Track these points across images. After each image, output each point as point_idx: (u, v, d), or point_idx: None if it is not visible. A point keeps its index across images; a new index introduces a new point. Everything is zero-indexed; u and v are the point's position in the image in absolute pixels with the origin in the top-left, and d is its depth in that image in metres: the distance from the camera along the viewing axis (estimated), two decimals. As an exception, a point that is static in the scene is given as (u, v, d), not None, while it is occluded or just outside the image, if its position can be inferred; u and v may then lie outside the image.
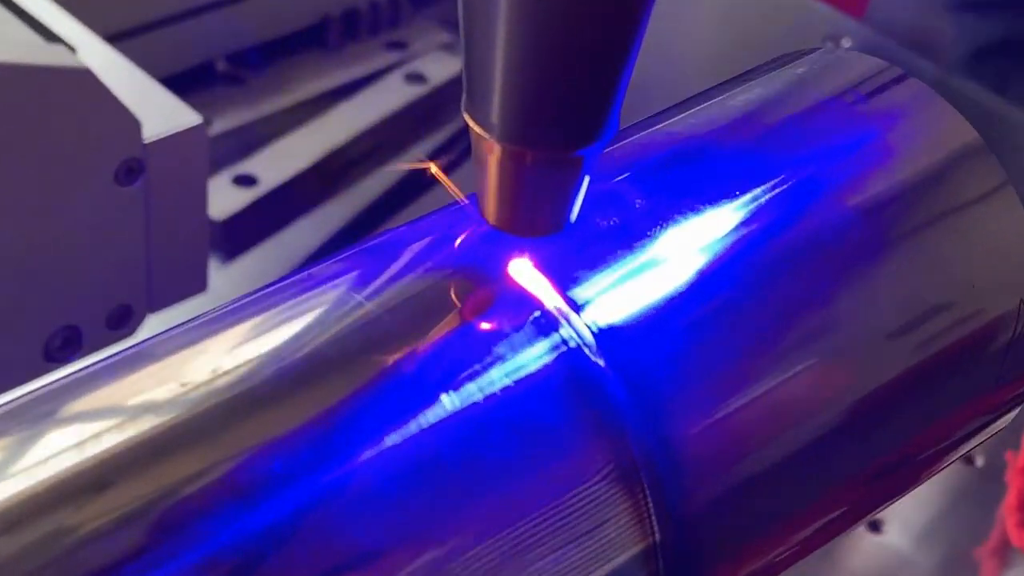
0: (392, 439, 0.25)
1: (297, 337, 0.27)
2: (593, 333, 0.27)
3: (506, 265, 0.28)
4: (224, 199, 0.69)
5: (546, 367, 0.27)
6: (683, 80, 0.75)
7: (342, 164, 0.74)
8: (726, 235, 0.29)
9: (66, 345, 0.48)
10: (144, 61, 0.52)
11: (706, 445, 0.28)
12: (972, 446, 0.34)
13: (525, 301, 0.28)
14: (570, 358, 0.27)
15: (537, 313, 0.27)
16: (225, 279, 0.67)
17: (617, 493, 0.27)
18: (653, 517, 0.27)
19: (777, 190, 0.31)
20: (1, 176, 0.44)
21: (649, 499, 0.27)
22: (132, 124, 0.46)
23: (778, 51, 0.36)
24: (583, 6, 0.24)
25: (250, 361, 0.26)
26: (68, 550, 0.23)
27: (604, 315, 0.28)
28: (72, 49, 0.47)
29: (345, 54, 0.80)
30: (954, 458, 0.34)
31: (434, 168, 0.30)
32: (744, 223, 0.30)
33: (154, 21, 0.71)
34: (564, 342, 0.27)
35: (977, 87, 0.74)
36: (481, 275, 0.28)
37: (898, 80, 0.34)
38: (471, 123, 0.26)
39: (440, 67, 0.79)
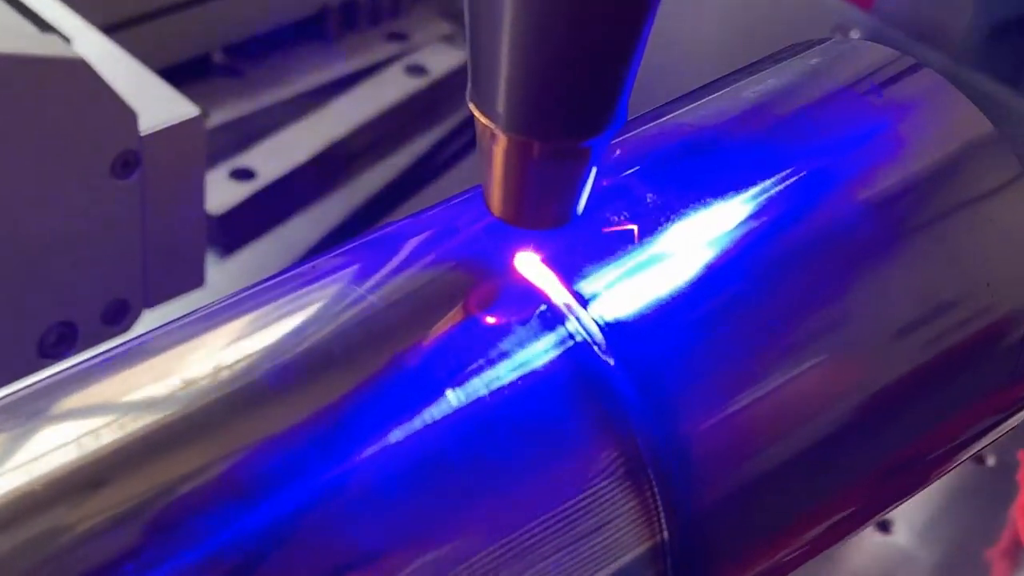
0: (395, 436, 0.25)
1: (297, 331, 0.27)
2: (600, 328, 0.27)
3: (512, 258, 0.28)
4: (222, 193, 0.69)
5: (552, 362, 0.27)
6: (690, 71, 0.75)
7: (342, 157, 0.74)
8: (736, 229, 0.29)
9: (61, 341, 0.48)
10: (140, 52, 0.52)
11: (715, 442, 0.28)
12: (984, 444, 0.34)
13: (531, 295, 0.28)
14: (577, 353, 0.27)
15: (543, 307, 0.27)
16: (222, 274, 0.67)
17: (624, 491, 0.27)
18: (661, 515, 0.27)
19: (788, 183, 0.30)
20: (-5, 169, 0.44)
21: (657, 497, 0.27)
22: (128, 116, 0.46)
23: (786, 42, 0.36)
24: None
25: (249, 356, 0.26)
26: (64, 549, 0.23)
27: (612, 310, 0.27)
28: (67, 39, 0.47)
29: (345, 45, 0.80)
30: (965, 457, 0.34)
31: None
32: (754, 216, 0.30)
33: (151, 11, 0.71)
34: (571, 337, 0.27)
35: (988, 78, 0.74)
36: (486, 268, 0.28)
37: (911, 70, 0.34)
38: (476, 113, 0.26)
39: (441, 59, 0.79)
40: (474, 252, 0.28)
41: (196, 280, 0.52)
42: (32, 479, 0.24)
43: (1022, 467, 0.61)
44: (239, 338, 0.27)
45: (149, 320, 0.50)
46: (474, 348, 0.26)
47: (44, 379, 0.27)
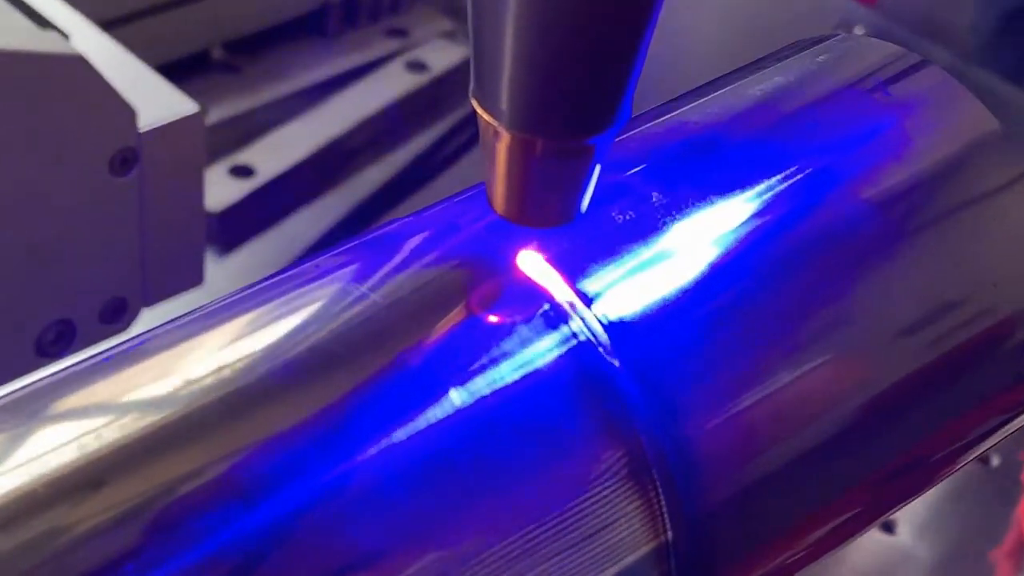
0: (397, 436, 0.25)
1: (298, 331, 0.27)
2: (604, 327, 0.27)
3: (515, 257, 0.28)
4: (221, 190, 0.69)
5: (556, 362, 0.27)
6: (693, 68, 0.75)
7: (341, 154, 0.74)
8: (741, 227, 0.29)
9: (59, 339, 0.48)
10: (139, 48, 0.52)
11: (719, 442, 0.28)
12: (989, 446, 0.34)
13: (534, 294, 0.28)
14: (580, 352, 0.27)
15: (546, 306, 0.27)
16: (222, 272, 0.67)
17: (628, 491, 0.27)
18: (665, 516, 0.27)
19: (793, 181, 0.30)
20: (-8, 166, 0.44)
21: (661, 497, 0.27)
22: (127, 113, 0.46)
23: (789, 39, 0.36)
24: (595, -11, 0.24)
25: (250, 355, 0.26)
26: (64, 549, 0.23)
27: (615, 308, 0.27)
28: (65, 36, 0.47)
29: (344, 41, 0.80)
30: (970, 458, 0.34)
31: None
32: (759, 215, 0.30)
33: (149, 7, 0.71)
34: (574, 336, 0.27)
35: (993, 75, 0.74)
36: (489, 267, 0.28)
37: (917, 67, 0.34)
38: (479, 110, 0.26)
39: (442, 55, 0.79)
40: (477, 250, 0.28)
41: (195, 278, 0.52)
42: (32, 479, 0.24)
43: (1027, 467, 0.61)
44: (239, 337, 0.27)
45: (148, 318, 0.50)
46: (477, 347, 0.26)
47: (44, 379, 0.27)
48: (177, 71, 0.59)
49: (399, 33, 0.81)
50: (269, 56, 0.77)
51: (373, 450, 0.25)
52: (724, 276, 0.29)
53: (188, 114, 0.48)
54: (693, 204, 0.29)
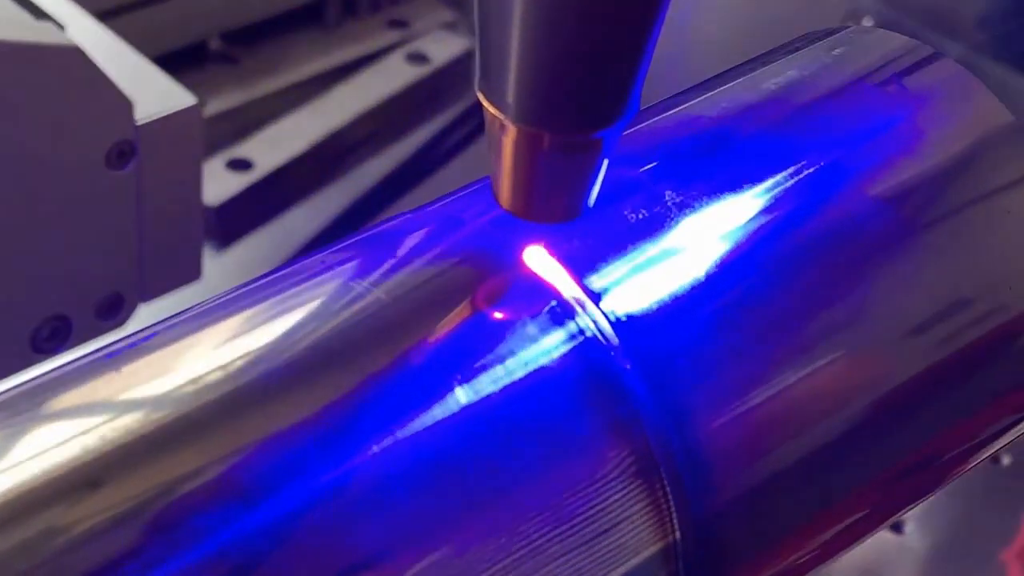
0: (400, 435, 0.25)
1: (299, 328, 0.27)
2: (612, 324, 0.27)
3: (521, 252, 0.28)
4: (218, 184, 0.69)
5: (562, 358, 0.27)
6: (700, 60, 0.74)
7: (341, 148, 0.74)
8: (751, 225, 0.29)
9: (54, 336, 0.48)
10: (136, 39, 0.52)
11: (728, 440, 0.28)
12: (1001, 445, 0.34)
13: (541, 290, 0.28)
14: (587, 349, 0.27)
15: (553, 302, 0.27)
16: (219, 267, 0.67)
17: (635, 490, 0.27)
18: (673, 515, 0.27)
19: (803, 177, 0.30)
20: (-13, 159, 0.44)
21: (669, 496, 0.27)
22: (123, 105, 0.46)
23: (796, 30, 0.36)
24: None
25: (250, 353, 0.26)
26: (62, 549, 0.23)
27: (623, 305, 0.27)
28: (61, 26, 0.47)
29: (344, 32, 0.80)
30: (982, 457, 0.34)
31: None
32: (770, 212, 0.30)
33: (145, -2, 0.71)
34: (581, 332, 0.27)
35: (1005, 67, 0.74)
36: (494, 263, 0.28)
37: (929, 59, 0.34)
38: (485, 103, 0.26)
39: (443, 47, 0.79)
40: (482, 246, 0.28)
41: (193, 273, 0.52)
42: (29, 478, 0.24)
43: (1038, 466, 0.61)
44: (239, 335, 0.27)
45: (144, 314, 0.50)
46: (482, 344, 0.26)
47: (40, 376, 0.27)
48: (174, 62, 0.59)
49: (400, 24, 0.81)
50: (268, 47, 0.77)
51: (376, 449, 0.25)
52: (733, 273, 0.29)
53: (186, 106, 0.48)
54: (705, 202, 0.29)
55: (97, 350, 0.27)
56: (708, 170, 0.30)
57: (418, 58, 0.79)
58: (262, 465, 0.24)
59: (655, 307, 0.28)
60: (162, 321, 0.28)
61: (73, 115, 0.45)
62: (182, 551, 0.23)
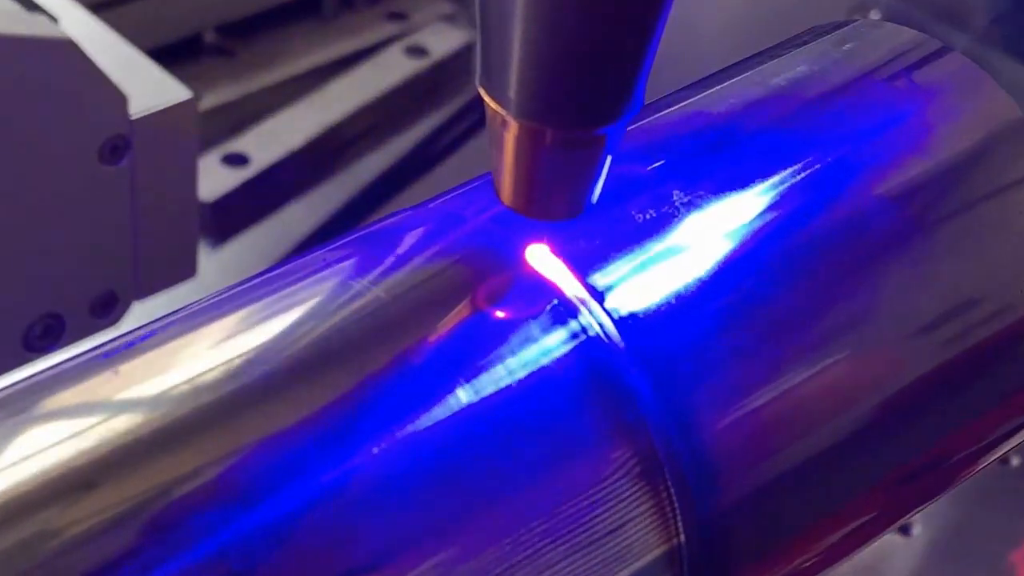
0: (400, 436, 0.25)
1: (297, 327, 0.27)
2: (614, 322, 0.27)
3: (522, 250, 0.28)
4: (214, 179, 0.69)
5: (564, 358, 0.27)
6: (704, 54, 0.75)
7: (339, 142, 0.74)
8: (757, 223, 0.29)
9: (47, 334, 0.48)
10: (130, 32, 0.52)
11: (733, 441, 0.28)
12: (1011, 446, 0.34)
13: (542, 288, 0.28)
14: (590, 348, 0.27)
15: (555, 301, 0.27)
16: (215, 264, 0.67)
17: (639, 491, 0.27)
18: (678, 518, 0.27)
19: (809, 174, 0.30)
20: (-22, 154, 0.44)
21: (674, 498, 0.27)
22: (118, 99, 0.46)
23: (802, 23, 0.36)
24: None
25: (247, 353, 0.26)
26: (57, 551, 0.23)
27: (626, 303, 0.28)
28: (54, 19, 0.47)
29: (342, 25, 0.80)
30: (991, 459, 0.34)
31: None
32: (777, 210, 0.30)
33: (139, -11, 0.71)
34: (584, 331, 0.27)
35: (1014, 61, 0.74)
36: (496, 260, 0.28)
37: (938, 54, 0.34)
38: (486, 98, 0.26)
39: (443, 39, 0.79)
40: (483, 243, 0.28)
41: (188, 270, 0.52)
42: (25, 479, 0.24)
43: (1048, 467, 0.61)
44: (236, 334, 0.27)
45: (139, 312, 0.50)
46: (483, 344, 0.26)
47: (33, 376, 0.27)
48: (169, 55, 0.59)
49: (398, 16, 0.81)
50: (264, 40, 0.77)
51: (376, 450, 0.25)
52: (738, 270, 0.29)
53: (181, 100, 0.48)
54: (712, 200, 0.29)
55: (92, 349, 0.27)
56: (716, 168, 0.30)
57: (417, 51, 0.79)
58: (261, 466, 0.24)
59: (659, 306, 0.28)
60: (158, 319, 0.28)
61: (66, 109, 0.45)
62: (180, 552, 0.23)
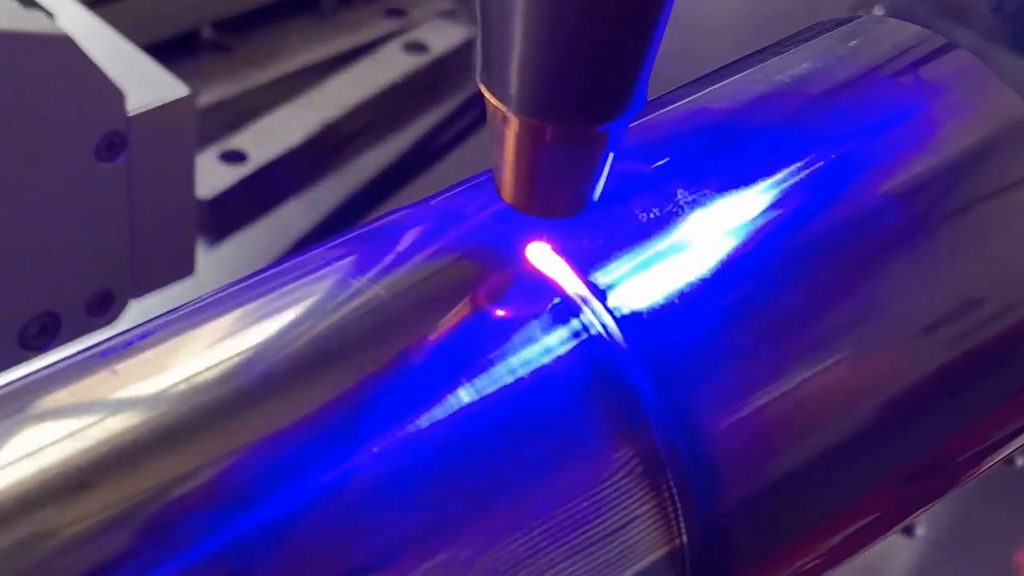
0: (400, 436, 0.25)
1: (296, 325, 0.27)
2: (616, 321, 0.27)
3: (523, 248, 0.28)
4: (211, 176, 0.69)
5: (566, 357, 0.27)
6: (707, 50, 0.75)
7: (337, 140, 0.74)
8: (760, 222, 0.29)
9: (43, 333, 0.48)
10: (127, 28, 0.52)
11: (736, 440, 0.28)
12: (1016, 446, 0.34)
13: (544, 286, 0.28)
14: (592, 347, 0.27)
15: (557, 299, 0.27)
16: (212, 262, 0.67)
17: (641, 492, 0.27)
18: (680, 517, 0.27)
19: (813, 171, 0.30)
20: (-26, 151, 0.44)
21: (676, 498, 0.27)
22: (114, 95, 0.46)
23: (805, 19, 0.36)
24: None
25: (246, 352, 0.26)
26: (54, 552, 0.23)
27: (628, 301, 0.28)
28: (50, 15, 0.47)
29: (340, 21, 0.80)
30: (996, 459, 0.34)
31: None
32: (780, 209, 0.30)
33: (136, -15, 0.71)
34: (585, 330, 0.27)
35: (1019, 58, 0.74)
36: (497, 258, 0.28)
37: (942, 50, 0.34)
38: (487, 95, 0.26)
39: (442, 35, 0.79)
40: (484, 241, 0.28)
41: (185, 269, 0.52)
42: (21, 479, 0.24)
43: (1053, 468, 0.61)
44: (234, 333, 0.27)
45: (135, 311, 0.50)
46: (484, 343, 0.26)
47: (32, 374, 0.27)
48: (166, 52, 0.59)
49: (397, 13, 0.81)
50: (262, 36, 0.77)
51: (375, 450, 0.25)
52: (741, 269, 0.29)
53: (178, 97, 0.48)
54: (716, 199, 0.29)
55: (89, 348, 0.27)
56: (720, 167, 0.30)
57: (416, 47, 0.79)
58: (260, 465, 0.24)
59: (661, 305, 0.28)
60: (155, 318, 0.28)
61: (63, 106, 0.45)
62: (179, 553, 0.23)
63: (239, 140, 0.72)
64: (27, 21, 0.45)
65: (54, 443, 0.25)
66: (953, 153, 0.32)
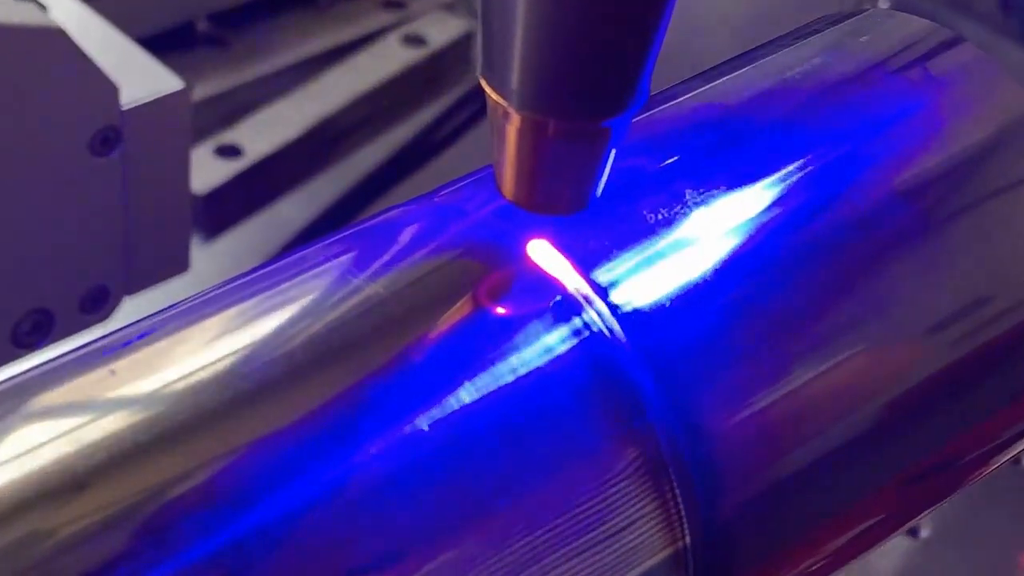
0: (399, 436, 0.25)
1: (293, 324, 0.27)
2: (618, 319, 0.27)
3: (524, 245, 0.28)
4: (206, 171, 0.69)
5: (567, 355, 0.27)
6: (711, 43, 0.74)
7: (335, 134, 0.74)
8: (763, 220, 0.29)
9: (36, 329, 0.48)
10: (120, 21, 0.52)
11: (739, 440, 0.28)
12: (1022, 447, 0.34)
13: (545, 284, 0.28)
14: (593, 346, 0.27)
15: (558, 297, 0.27)
16: (208, 258, 0.67)
17: (644, 492, 0.27)
18: (683, 518, 0.27)
19: (817, 169, 0.30)
20: (-34, 145, 0.44)
21: (679, 498, 0.27)
22: (108, 89, 0.46)
23: (809, 12, 0.36)
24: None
25: (242, 351, 0.26)
26: (50, 553, 0.23)
27: (630, 299, 0.28)
28: (43, 7, 0.47)
29: (338, 14, 0.80)
30: (1002, 460, 0.34)
31: None
32: (781, 205, 0.30)
33: (130, -23, 0.70)
34: (587, 327, 0.27)
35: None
36: (497, 256, 0.28)
37: (949, 44, 0.34)
38: (488, 89, 0.26)
39: (441, 28, 0.79)
40: (484, 238, 0.28)
41: (180, 265, 0.52)
42: (15, 479, 0.24)
43: (1059, 468, 0.61)
44: (230, 331, 0.27)
45: (129, 308, 0.50)
46: (485, 341, 0.26)
47: (25, 372, 0.27)
48: (161, 45, 0.59)
49: (395, 5, 0.81)
50: (258, 29, 0.77)
51: (374, 450, 0.25)
52: (743, 267, 0.29)
53: (173, 91, 0.48)
54: (720, 197, 0.29)
55: (84, 345, 0.27)
56: (726, 165, 0.30)
57: (415, 40, 0.79)
58: (258, 465, 0.24)
59: (663, 302, 0.28)
60: (151, 316, 0.28)
61: (56, 100, 0.45)
62: (178, 553, 0.23)
63: (235, 134, 0.72)
64: (19, 14, 0.45)
65: (51, 442, 0.25)
66: (958, 149, 0.32)
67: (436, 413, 0.26)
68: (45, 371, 0.27)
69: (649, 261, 0.28)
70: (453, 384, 0.26)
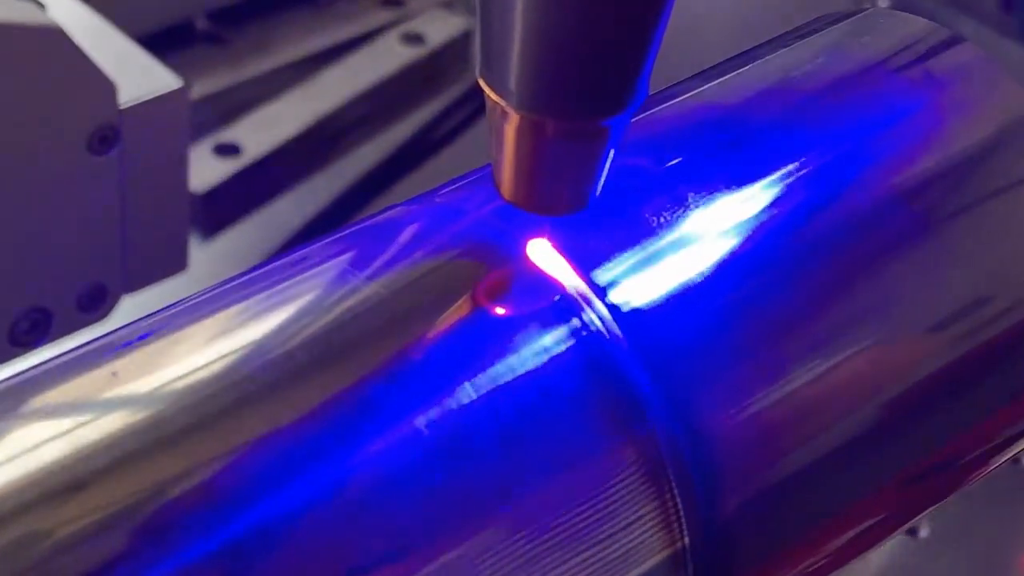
0: (398, 436, 0.25)
1: (293, 324, 0.27)
2: (617, 319, 0.27)
3: (523, 245, 0.28)
4: (205, 170, 0.69)
5: (566, 356, 0.27)
6: (710, 42, 0.75)
7: (333, 132, 0.74)
8: (762, 220, 0.29)
9: (34, 329, 0.48)
10: (119, 19, 0.52)
11: (738, 440, 0.28)
12: (1021, 447, 0.34)
13: (544, 284, 0.28)
14: (592, 346, 0.27)
15: (557, 297, 0.27)
16: (206, 257, 0.67)
17: (643, 493, 0.27)
18: (682, 519, 0.27)
19: (817, 168, 0.31)
20: (-36, 144, 0.44)
21: (678, 499, 0.27)
22: (106, 88, 0.46)
23: (809, 11, 0.36)
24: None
25: (241, 350, 0.26)
26: (49, 553, 0.23)
27: (629, 299, 0.28)
28: (41, 5, 0.47)
29: (336, 12, 0.79)
30: (1003, 459, 0.34)
31: None
32: (781, 205, 0.30)
33: (128, -25, 0.70)
34: (585, 327, 0.27)
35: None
36: (496, 256, 0.28)
37: (949, 43, 0.34)
38: (486, 89, 0.26)
39: (440, 26, 0.79)
40: (483, 238, 0.28)
41: (178, 264, 0.52)
42: (13, 479, 0.24)
43: (1059, 467, 0.61)
44: (229, 331, 0.27)
45: (128, 306, 0.50)
46: (484, 341, 0.27)
47: (24, 372, 0.27)
48: (159, 43, 0.59)
49: (394, 3, 0.81)
50: (257, 27, 0.77)
51: (373, 451, 0.25)
52: (742, 267, 0.29)
53: (171, 89, 0.48)
54: (720, 198, 0.29)
55: (83, 345, 0.27)
56: (727, 166, 0.30)
57: (413, 39, 0.79)
58: (258, 465, 0.25)
59: (662, 300, 0.28)
60: (150, 315, 0.28)
61: (54, 98, 0.45)
62: (177, 553, 0.24)
63: (233, 133, 0.72)
64: (17, 12, 0.45)
65: (50, 442, 0.25)
66: (958, 149, 0.32)
67: (435, 413, 0.26)
68: (46, 370, 0.27)
69: (648, 261, 0.28)
70: (452, 384, 0.26)
